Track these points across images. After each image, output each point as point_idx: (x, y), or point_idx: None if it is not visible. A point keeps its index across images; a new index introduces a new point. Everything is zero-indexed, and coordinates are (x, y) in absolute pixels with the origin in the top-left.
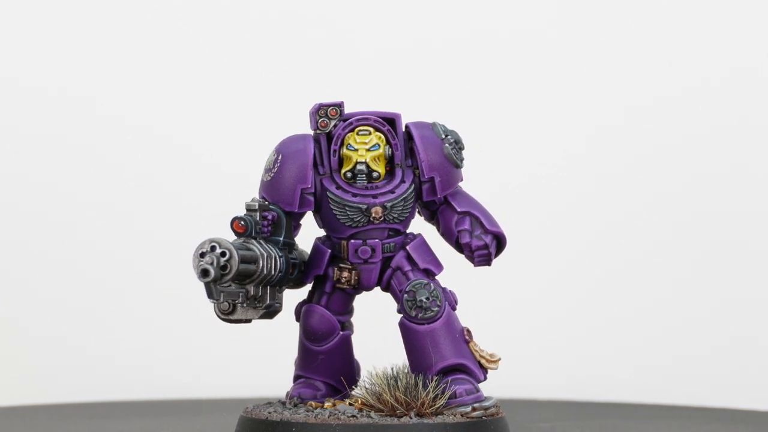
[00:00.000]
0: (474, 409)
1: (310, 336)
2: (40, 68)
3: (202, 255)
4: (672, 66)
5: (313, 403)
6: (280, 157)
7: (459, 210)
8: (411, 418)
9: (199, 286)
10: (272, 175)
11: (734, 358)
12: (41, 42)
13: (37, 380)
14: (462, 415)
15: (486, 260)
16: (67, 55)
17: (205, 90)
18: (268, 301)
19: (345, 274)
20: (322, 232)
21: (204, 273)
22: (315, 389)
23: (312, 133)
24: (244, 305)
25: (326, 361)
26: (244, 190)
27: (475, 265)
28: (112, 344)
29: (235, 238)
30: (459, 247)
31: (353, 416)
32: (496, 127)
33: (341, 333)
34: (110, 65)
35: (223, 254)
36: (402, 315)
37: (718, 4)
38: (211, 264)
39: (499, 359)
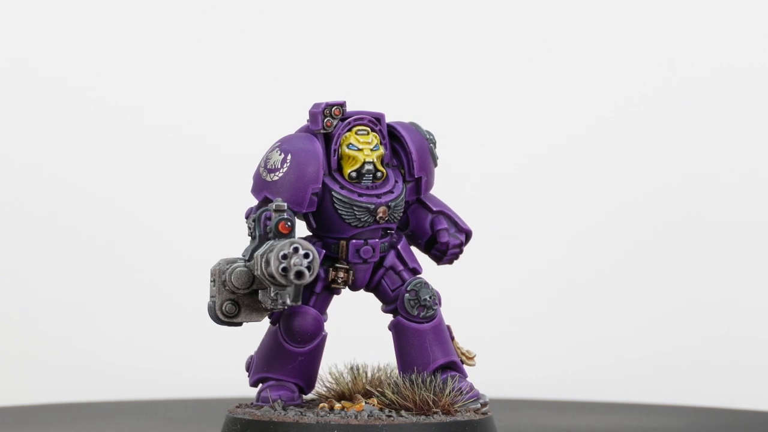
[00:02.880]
0: (482, 405)
1: (296, 337)
2: (43, 65)
3: (285, 257)
4: (669, 64)
5: (326, 405)
6: (289, 157)
7: (434, 209)
8: (440, 415)
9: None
10: (280, 175)
11: (730, 355)
12: (44, 39)
13: (37, 380)
14: (475, 412)
15: (454, 259)
16: (74, 51)
17: (203, 90)
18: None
19: (341, 274)
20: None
21: (299, 275)
22: (291, 391)
23: (308, 132)
24: (273, 306)
25: (304, 363)
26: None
27: (439, 264)
28: (113, 344)
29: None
30: (427, 246)
31: (390, 416)
32: (478, 123)
33: (323, 333)
34: (115, 62)
35: (306, 255)
36: (399, 314)
37: (709, 2)
38: (301, 265)
39: (475, 356)
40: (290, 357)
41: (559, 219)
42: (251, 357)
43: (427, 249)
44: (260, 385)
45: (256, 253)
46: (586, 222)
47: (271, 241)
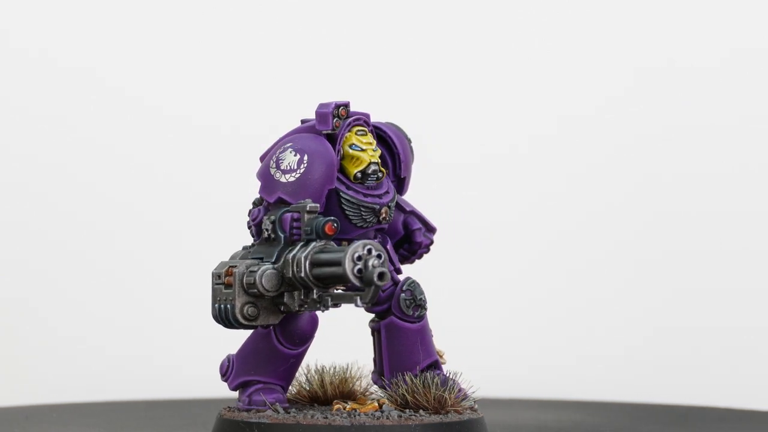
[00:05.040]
0: (474, 402)
1: (295, 339)
2: (44, 63)
3: (360, 258)
4: (667, 62)
5: (339, 406)
6: (305, 158)
7: (407, 210)
8: (454, 414)
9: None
10: (297, 176)
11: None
12: (42, 37)
13: (37, 380)
14: (471, 410)
15: (417, 258)
16: (83, 49)
17: (201, 89)
18: None
19: None
20: None
21: (382, 276)
22: (280, 393)
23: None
24: (302, 308)
25: (294, 365)
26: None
27: (403, 263)
28: (113, 344)
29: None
30: (396, 245)
31: (414, 416)
32: (469, 114)
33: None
34: (121, 62)
35: (378, 256)
36: (393, 314)
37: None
38: (381, 267)
39: (444, 353)
40: (283, 359)
41: (545, 215)
42: (229, 360)
43: (395, 248)
44: (245, 388)
45: (292, 254)
46: (571, 219)
47: (314, 243)
